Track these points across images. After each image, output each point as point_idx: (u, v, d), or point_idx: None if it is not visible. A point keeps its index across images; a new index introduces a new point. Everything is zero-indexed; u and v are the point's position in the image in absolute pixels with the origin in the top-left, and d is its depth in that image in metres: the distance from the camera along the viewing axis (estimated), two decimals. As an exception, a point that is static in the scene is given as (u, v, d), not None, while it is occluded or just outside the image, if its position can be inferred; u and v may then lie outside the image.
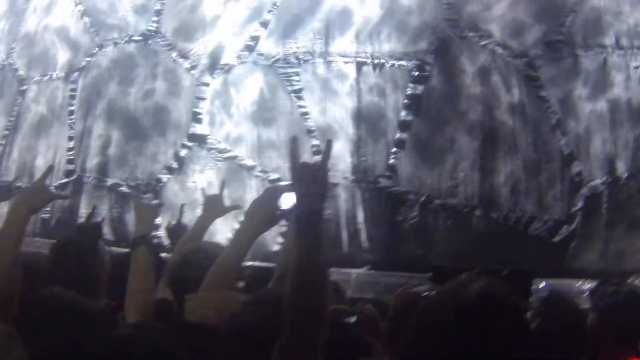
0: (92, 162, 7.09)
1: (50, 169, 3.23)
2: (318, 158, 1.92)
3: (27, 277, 2.51)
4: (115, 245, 6.23)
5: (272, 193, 2.66)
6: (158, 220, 3.53)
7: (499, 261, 5.74)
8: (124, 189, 6.91)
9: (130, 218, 6.84)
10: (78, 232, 3.39)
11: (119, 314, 2.77)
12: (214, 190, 3.49)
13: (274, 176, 6.34)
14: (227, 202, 3.57)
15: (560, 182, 6.23)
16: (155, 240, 6.26)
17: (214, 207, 3.51)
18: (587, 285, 5.92)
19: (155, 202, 5.37)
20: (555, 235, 6.19)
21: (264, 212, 2.56)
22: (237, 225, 6.36)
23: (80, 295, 2.41)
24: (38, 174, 7.34)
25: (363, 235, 6.12)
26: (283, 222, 3.01)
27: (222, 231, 6.44)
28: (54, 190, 6.35)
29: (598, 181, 6.30)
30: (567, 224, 6.20)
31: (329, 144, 1.99)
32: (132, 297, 2.62)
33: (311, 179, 1.83)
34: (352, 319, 2.59)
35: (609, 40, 6.42)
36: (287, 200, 2.48)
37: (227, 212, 3.62)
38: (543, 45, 6.24)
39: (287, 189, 2.54)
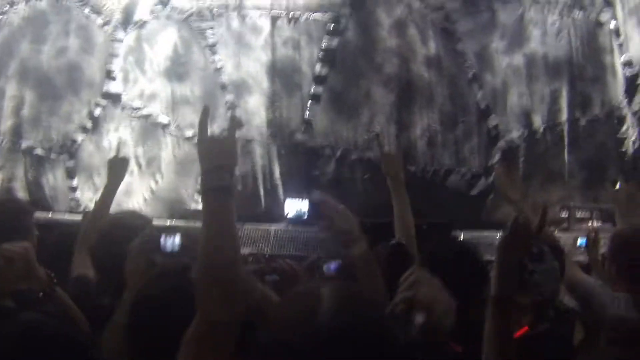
0: (6, 124, 6.83)
1: None
2: (224, 132, 1.79)
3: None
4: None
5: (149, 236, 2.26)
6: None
7: (418, 215, 5.74)
8: (39, 151, 6.69)
9: (46, 181, 6.66)
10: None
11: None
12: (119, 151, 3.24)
13: (188, 133, 6.21)
14: (125, 158, 3.33)
15: (477, 135, 6.26)
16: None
17: (116, 169, 3.30)
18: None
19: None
20: (473, 188, 6.24)
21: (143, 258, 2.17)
22: (153, 185, 6.36)
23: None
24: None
25: (280, 191, 6.05)
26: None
27: (138, 191, 6.33)
28: None
29: (515, 134, 6.36)
30: (484, 177, 6.26)
31: (233, 119, 1.90)
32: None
33: (219, 153, 1.72)
34: (273, 277, 2.50)
35: (526, -5, 6.46)
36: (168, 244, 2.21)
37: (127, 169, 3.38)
38: (460, -1, 6.25)
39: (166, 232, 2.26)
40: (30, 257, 2.02)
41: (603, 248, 3.69)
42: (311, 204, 2.30)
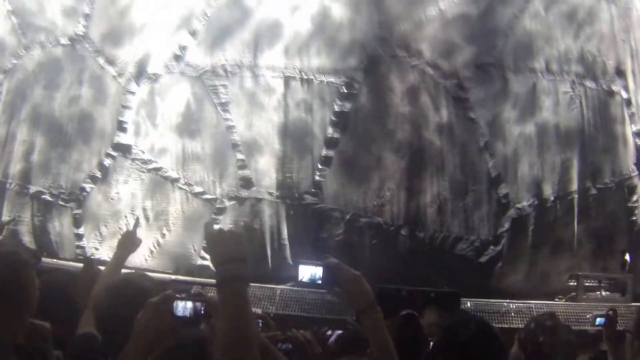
0: (15, 168, 6.83)
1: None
2: (234, 227, 1.90)
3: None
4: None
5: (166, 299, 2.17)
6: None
7: (426, 281, 5.67)
8: (47, 197, 6.67)
9: (52, 227, 6.64)
10: None
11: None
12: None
13: (197, 189, 6.20)
14: (139, 237, 3.40)
15: (488, 203, 6.24)
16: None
17: (128, 244, 3.37)
18: (512, 305, 5.97)
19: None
20: (482, 256, 6.21)
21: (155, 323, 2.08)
22: (160, 238, 6.32)
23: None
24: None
25: (287, 251, 6.02)
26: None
27: (144, 244, 6.28)
28: None
29: (525, 203, 6.34)
30: (493, 245, 6.23)
31: (248, 227, 1.98)
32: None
33: (230, 246, 1.78)
34: (286, 346, 2.52)
35: (539, 64, 6.47)
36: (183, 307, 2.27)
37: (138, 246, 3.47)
38: (473, 67, 6.25)
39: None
40: None
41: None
42: (326, 269, 2.28)
